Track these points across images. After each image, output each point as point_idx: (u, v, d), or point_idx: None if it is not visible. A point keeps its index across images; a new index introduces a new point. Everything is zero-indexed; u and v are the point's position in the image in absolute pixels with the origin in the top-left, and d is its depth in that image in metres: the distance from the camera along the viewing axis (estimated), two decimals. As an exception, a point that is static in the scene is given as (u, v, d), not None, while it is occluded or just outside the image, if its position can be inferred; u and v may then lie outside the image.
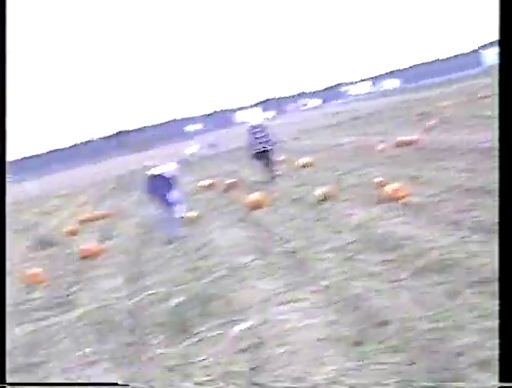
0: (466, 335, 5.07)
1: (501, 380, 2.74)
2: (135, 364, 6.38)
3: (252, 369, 5.55)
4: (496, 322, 5.08)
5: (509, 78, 3.07)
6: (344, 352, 5.42)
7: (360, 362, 5.12)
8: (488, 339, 4.81)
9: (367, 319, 5.96)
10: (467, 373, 4.46)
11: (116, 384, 4.39)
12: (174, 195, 13.04)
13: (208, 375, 5.63)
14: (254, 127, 18.45)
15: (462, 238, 7.75)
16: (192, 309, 7.53)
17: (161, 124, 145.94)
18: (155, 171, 13.05)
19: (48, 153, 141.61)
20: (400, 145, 18.92)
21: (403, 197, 10.82)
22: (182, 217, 13.47)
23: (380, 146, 19.79)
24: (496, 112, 3.58)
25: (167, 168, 13.22)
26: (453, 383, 4.30)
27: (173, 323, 7.23)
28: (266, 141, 18.21)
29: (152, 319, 7.69)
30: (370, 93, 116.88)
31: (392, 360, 5.00)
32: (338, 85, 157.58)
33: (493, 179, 10.75)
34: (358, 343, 5.50)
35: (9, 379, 6.30)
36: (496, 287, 5.88)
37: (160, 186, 12.93)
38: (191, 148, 42.84)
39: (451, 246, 7.52)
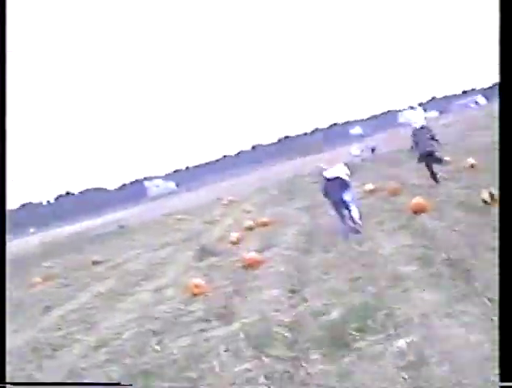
0: None
1: (502, 380, 2.55)
2: (292, 381, 6.23)
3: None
4: None
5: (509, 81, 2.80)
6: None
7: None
8: None
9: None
10: None
11: (119, 384, 4.25)
12: (348, 196, 13.36)
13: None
14: (419, 128, 17.97)
15: None
16: (351, 323, 7.29)
17: (325, 128, 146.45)
18: (330, 173, 13.37)
19: (216, 160, 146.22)
20: None
21: None
22: (356, 219, 13.49)
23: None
24: None
25: (339, 170, 13.43)
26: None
27: (331, 338, 7.03)
28: (432, 143, 17.66)
29: (310, 333, 7.51)
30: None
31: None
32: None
33: None
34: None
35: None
36: None
37: (336, 187, 13.32)
38: (353, 150, 42.50)
39: None
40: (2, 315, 3.08)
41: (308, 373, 6.30)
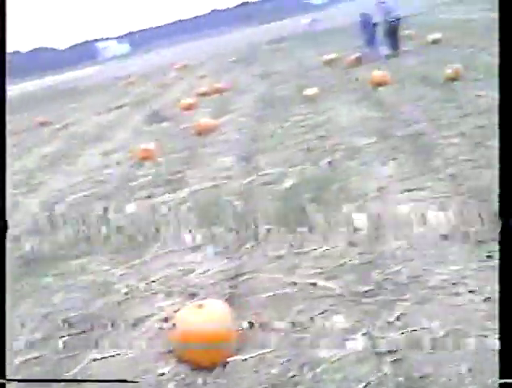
0: None
1: (502, 377, 2.39)
2: (240, 252, 5.94)
3: (367, 262, 5.00)
4: None
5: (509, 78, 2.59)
6: (467, 250, 4.83)
7: (483, 263, 4.52)
8: None
9: (493, 214, 5.25)
10: None
11: (125, 381, 4.05)
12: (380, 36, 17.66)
13: (318, 267, 5.12)
14: (378, 1, 17.61)
15: None
16: (305, 194, 6.99)
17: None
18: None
19: (171, 23, 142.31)
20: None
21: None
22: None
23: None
24: None
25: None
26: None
27: (284, 209, 6.73)
28: (390, 15, 17.30)
29: (262, 203, 7.20)
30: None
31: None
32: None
33: None
34: (483, 242, 4.86)
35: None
36: None
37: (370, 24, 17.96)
38: (304, 20, 41.55)
39: None
40: (2, 315, 2.89)
41: (258, 243, 6.00)
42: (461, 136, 7.96)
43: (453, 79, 11.77)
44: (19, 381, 4.55)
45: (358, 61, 17.77)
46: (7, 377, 2.81)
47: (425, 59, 15.87)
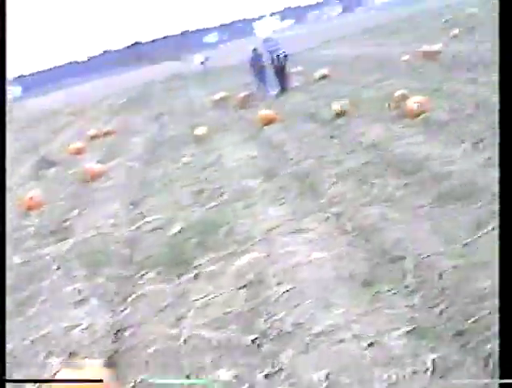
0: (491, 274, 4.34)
1: (502, 377, 2.42)
2: (125, 301, 5.76)
3: (251, 309, 4.90)
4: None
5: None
6: (353, 293, 4.76)
7: (371, 306, 4.47)
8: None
9: (380, 253, 5.28)
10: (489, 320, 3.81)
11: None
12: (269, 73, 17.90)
13: (203, 317, 4.99)
14: (266, 40, 17.90)
15: (488, 158, 6.96)
16: (192, 239, 6.87)
17: (178, 35, 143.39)
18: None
19: (64, 65, 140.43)
20: (423, 55, 17.94)
21: (425, 112, 9.97)
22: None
23: (404, 57, 18.78)
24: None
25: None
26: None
27: (170, 255, 6.58)
28: (277, 52, 17.56)
29: (149, 250, 7.02)
30: (394, 1, 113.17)
31: (406, 304, 4.34)
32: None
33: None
34: (369, 283, 4.82)
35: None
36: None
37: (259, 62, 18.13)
38: (198, 58, 41.58)
39: (475, 169, 6.76)
40: (2, 314, 2.78)
41: (141, 295, 5.83)
42: (347, 173, 8.02)
43: (340, 115, 11.94)
44: (18, 381, 4.38)
45: (248, 100, 17.86)
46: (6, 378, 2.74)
47: (313, 95, 16.10)
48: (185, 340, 4.68)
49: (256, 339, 4.41)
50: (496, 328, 3.65)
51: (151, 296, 5.75)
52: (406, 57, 18.76)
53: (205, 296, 5.40)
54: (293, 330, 4.40)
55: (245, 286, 5.40)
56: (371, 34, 37.84)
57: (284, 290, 5.10)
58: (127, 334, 5.11)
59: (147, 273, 6.31)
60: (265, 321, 4.64)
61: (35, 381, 4.52)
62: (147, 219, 8.30)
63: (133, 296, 5.83)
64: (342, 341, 4.11)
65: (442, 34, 23.92)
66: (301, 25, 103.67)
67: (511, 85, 2.75)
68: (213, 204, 8.18)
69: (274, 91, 17.88)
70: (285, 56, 17.68)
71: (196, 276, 5.89)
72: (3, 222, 2.77)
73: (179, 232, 7.35)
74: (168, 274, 6.12)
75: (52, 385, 4.32)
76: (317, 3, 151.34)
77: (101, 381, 3.83)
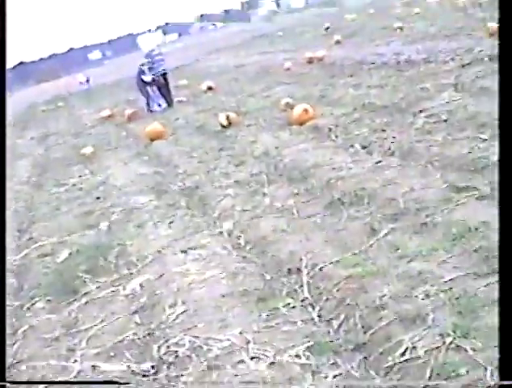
0: (388, 281, 4.33)
1: (502, 378, 2.44)
2: (15, 336, 5.45)
3: (147, 335, 4.71)
4: (422, 265, 4.44)
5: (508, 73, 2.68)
6: (249, 310, 4.64)
7: (268, 323, 4.36)
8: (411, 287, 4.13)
9: (275, 267, 5.20)
10: (388, 332, 3.75)
11: (117, 383, 3.84)
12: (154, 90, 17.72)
13: (97, 347, 4.76)
14: (147, 55, 17.71)
15: (376, 163, 7.03)
16: (81, 265, 6.60)
17: (62, 53, 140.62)
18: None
19: None
20: (307, 61, 18.19)
21: (311, 119, 10.03)
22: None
23: (287, 65, 18.98)
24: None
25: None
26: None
27: (58, 283, 6.30)
28: (157, 70, 17.44)
29: (37, 279, 6.71)
30: (276, 12, 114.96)
31: (304, 318, 4.27)
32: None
33: (406, 94, 10.14)
34: (265, 299, 4.72)
35: None
36: (420, 219, 5.28)
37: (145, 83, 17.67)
38: (81, 77, 40.80)
39: (365, 173, 6.80)
40: (1, 314, 2.58)
41: (31, 326, 5.54)
42: (237, 185, 7.94)
43: (227, 126, 11.88)
44: (19, 383, 4.08)
45: (133, 116, 17.62)
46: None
47: (200, 108, 16.02)
48: (78, 373, 4.45)
49: (153, 366, 4.22)
50: (396, 339, 3.62)
51: (41, 327, 5.46)
52: (289, 64, 18.97)
53: (97, 323, 5.18)
54: (191, 353, 4.23)
55: (138, 310, 5.22)
56: (254, 43, 38.20)
57: (179, 312, 4.93)
58: (16, 370, 4.82)
59: (36, 303, 6.02)
60: (160, 346, 4.46)
61: (37, 383, 4.36)
62: (34, 246, 7.95)
63: (23, 328, 5.53)
64: (240, 362, 3.98)
65: (325, 41, 24.37)
66: (186, 36, 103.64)
67: (511, 85, 2.72)
68: (103, 225, 7.93)
69: (159, 108, 17.70)
70: (164, 73, 17.59)
71: (87, 303, 5.66)
72: (3, 222, 2.70)
73: (68, 257, 7.06)
74: (58, 303, 5.86)
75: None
76: (200, 16, 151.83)
77: (116, 383, 3.61)
